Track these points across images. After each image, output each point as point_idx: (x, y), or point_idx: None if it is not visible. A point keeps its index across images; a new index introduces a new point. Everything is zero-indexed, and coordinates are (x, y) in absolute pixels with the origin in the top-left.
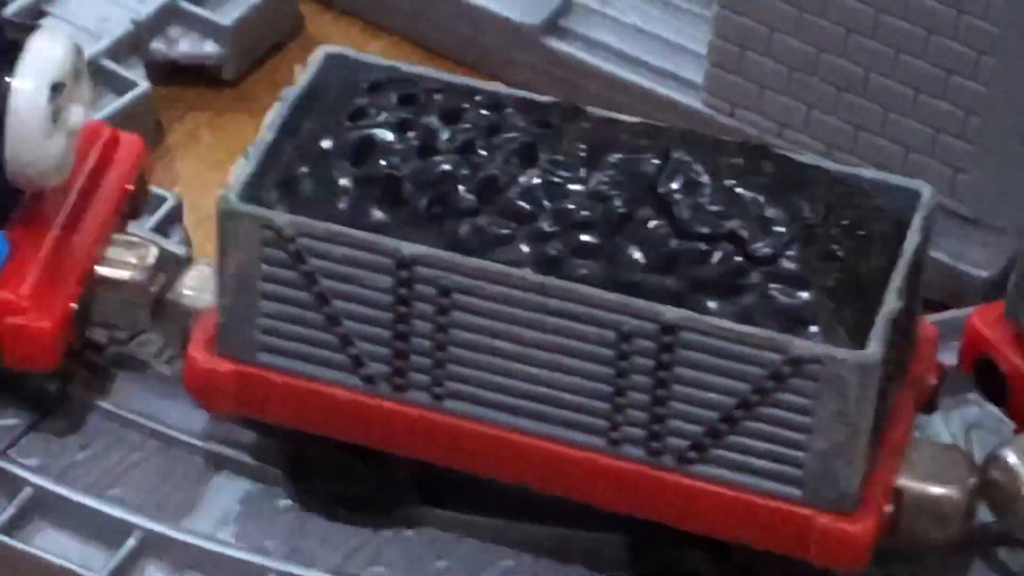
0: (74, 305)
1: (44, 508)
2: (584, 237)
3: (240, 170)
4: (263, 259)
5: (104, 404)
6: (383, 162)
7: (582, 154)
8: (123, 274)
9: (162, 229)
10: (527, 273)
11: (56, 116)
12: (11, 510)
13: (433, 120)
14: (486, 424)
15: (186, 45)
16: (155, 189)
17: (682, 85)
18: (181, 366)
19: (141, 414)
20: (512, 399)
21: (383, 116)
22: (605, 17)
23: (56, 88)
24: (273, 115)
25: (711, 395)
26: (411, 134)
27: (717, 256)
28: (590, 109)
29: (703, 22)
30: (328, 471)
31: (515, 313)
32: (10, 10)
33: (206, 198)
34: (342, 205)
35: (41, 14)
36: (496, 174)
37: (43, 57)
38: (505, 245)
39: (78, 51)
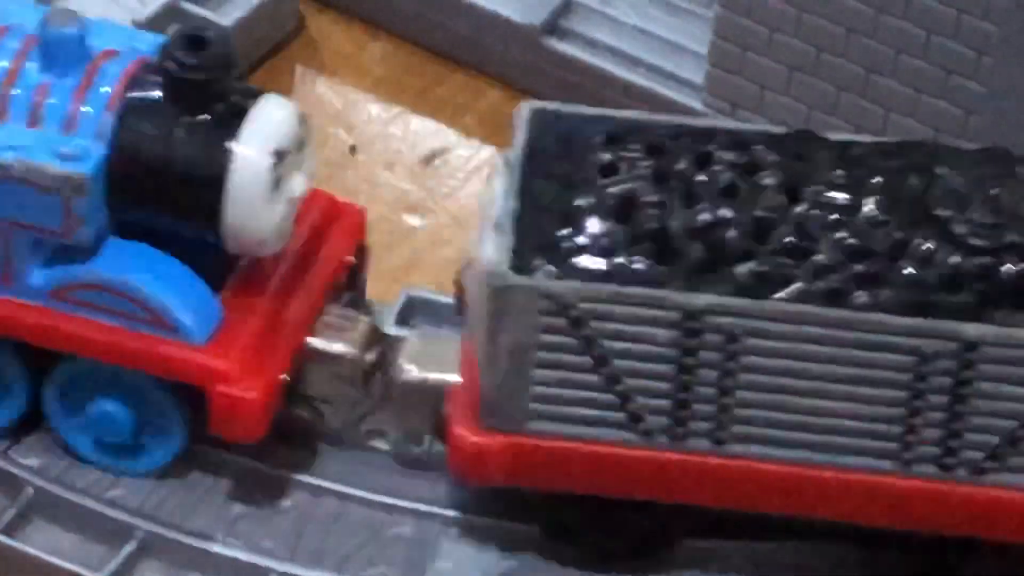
0: (284, 376)
1: (44, 509)
2: (865, 266)
3: (493, 241)
4: (539, 329)
5: None
6: (649, 215)
7: (842, 181)
8: (336, 347)
9: None
10: (821, 309)
11: (277, 184)
12: (12, 510)
13: (687, 167)
14: (770, 462)
15: None
16: None
17: (682, 85)
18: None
19: None
20: (799, 434)
21: (637, 168)
22: (605, 17)
23: (279, 155)
24: (503, 180)
25: (1011, 405)
26: (670, 183)
27: (1002, 268)
28: (827, 134)
29: (703, 22)
30: (594, 526)
31: (805, 349)
32: None
33: None
34: (615, 264)
35: None
36: (765, 214)
37: (267, 124)
38: (786, 284)
39: (304, 119)
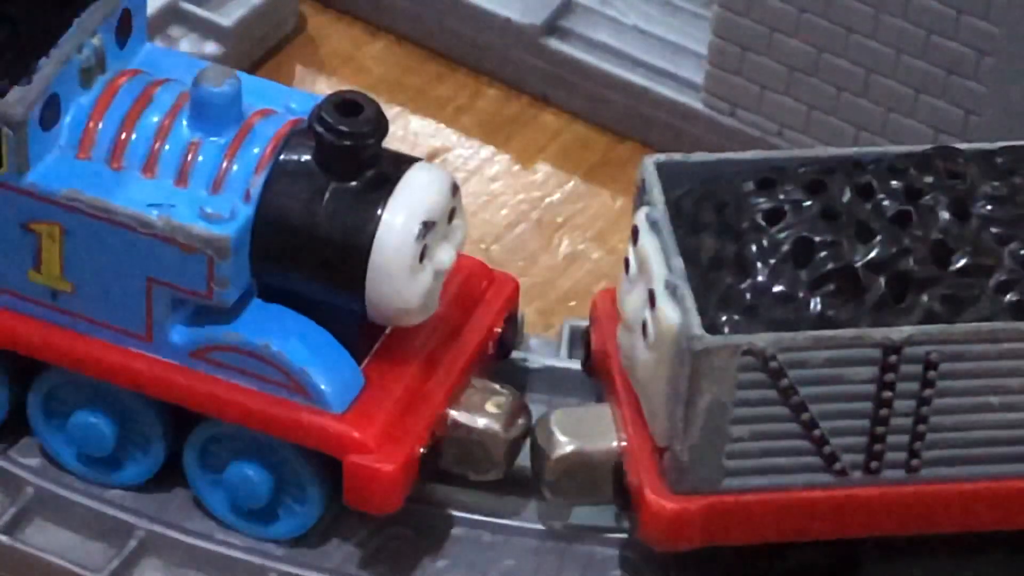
0: (422, 449)
1: (45, 508)
2: None
3: (671, 304)
4: (738, 385)
5: None
6: (827, 255)
7: (1002, 193)
8: (477, 420)
9: None
10: (1016, 324)
11: (423, 255)
12: (12, 510)
13: (851, 201)
14: (967, 481)
15: (187, 45)
16: None
17: (682, 85)
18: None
19: None
20: (995, 449)
21: (802, 210)
22: (605, 17)
23: (426, 226)
24: (653, 239)
25: None
26: (840, 220)
27: None
28: (960, 146)
29: (703, 22)
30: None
31: (1001, 365)
32: None
33: None
34: (802, 309)
35: None
36: (941, 237)
37: (417, 193)
38: (973, 304)
39: (455, 190)
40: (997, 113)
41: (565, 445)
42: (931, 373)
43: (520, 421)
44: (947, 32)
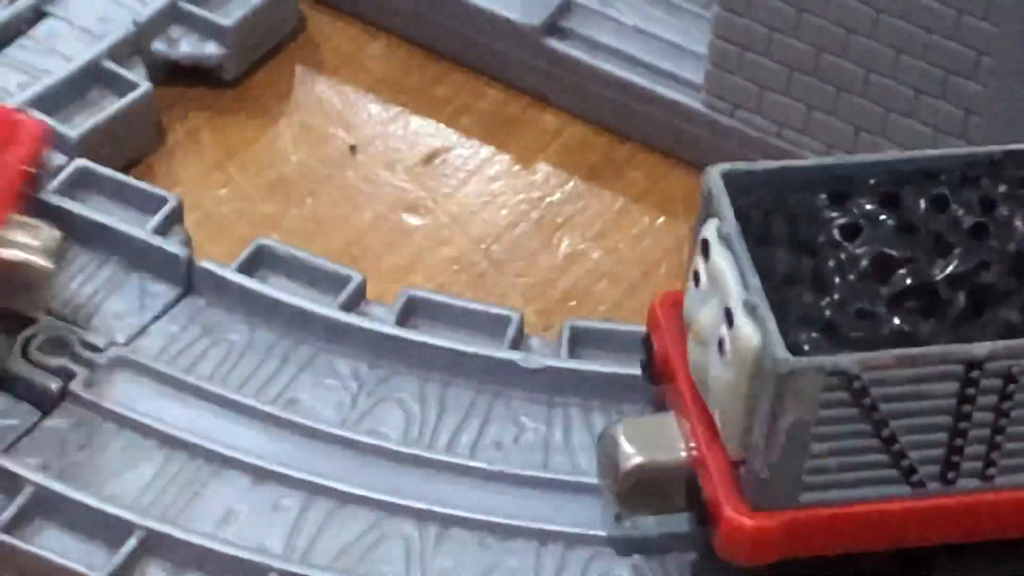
0: None
1: (45, 507)
2: None
3: (749, 323)
4: (821, 404)
5: (104, 403)
6: (907, 271)
7: None
8: (18, 255)
9: (162, 229)
10: None
11: None
12: (12, 509)
13: (927, 213)
14: None
15: (187, 46)
16: (155, 190)
17: (682, 85)
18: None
19: (141, 413)
20: None
21: (879, 225)
22: (605, 18)
23: None
24: (725, 254)
25: None
26: (917, 234)
27: None
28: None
29: (703, 22)
30: None
31: None
32: (12, 10)
33: (206, 198)
34: (883, 326)
35: (42, 15)
36: (1020, 249)
37: None
38: None
39: None
40: (997, 113)
41: (633, 457)
42: (1011, 386)
43: (59, 255)
44: (947, 32)
